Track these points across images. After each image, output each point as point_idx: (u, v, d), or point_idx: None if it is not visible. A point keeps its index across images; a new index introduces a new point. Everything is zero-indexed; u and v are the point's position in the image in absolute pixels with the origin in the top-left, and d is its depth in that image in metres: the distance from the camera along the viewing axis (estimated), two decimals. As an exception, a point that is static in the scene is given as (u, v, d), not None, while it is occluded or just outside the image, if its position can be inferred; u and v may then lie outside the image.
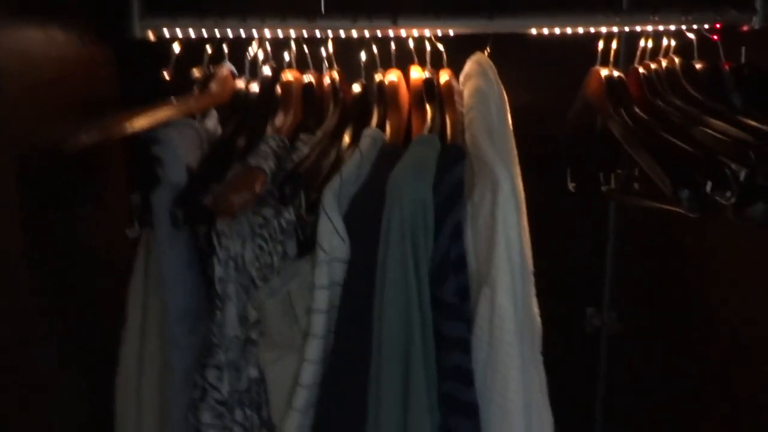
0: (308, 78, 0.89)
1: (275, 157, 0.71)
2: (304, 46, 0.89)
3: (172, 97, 0.78)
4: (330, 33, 0.87)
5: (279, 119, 0.81)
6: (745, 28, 0.86)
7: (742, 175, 0.67)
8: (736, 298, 0.95)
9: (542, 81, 1.10)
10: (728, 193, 0.68)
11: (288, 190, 0.66)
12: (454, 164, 0.72)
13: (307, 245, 0.69)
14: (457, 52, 0.89)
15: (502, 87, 0.86)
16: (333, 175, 0.71)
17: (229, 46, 0.88)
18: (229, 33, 0.86)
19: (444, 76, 0.88)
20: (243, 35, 0.86)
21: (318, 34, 0.87)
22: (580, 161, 1.02)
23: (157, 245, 0.68)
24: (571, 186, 1.03)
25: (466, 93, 0.85)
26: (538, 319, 0.79)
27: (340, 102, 0.85)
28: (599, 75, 0.87)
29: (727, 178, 0.67)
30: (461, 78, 0.88)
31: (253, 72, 0.89)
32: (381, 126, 0.82)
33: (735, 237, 0.92)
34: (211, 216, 0.66)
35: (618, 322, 1.23)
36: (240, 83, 0.87)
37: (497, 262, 0.66)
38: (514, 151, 0.83)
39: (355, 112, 0.85)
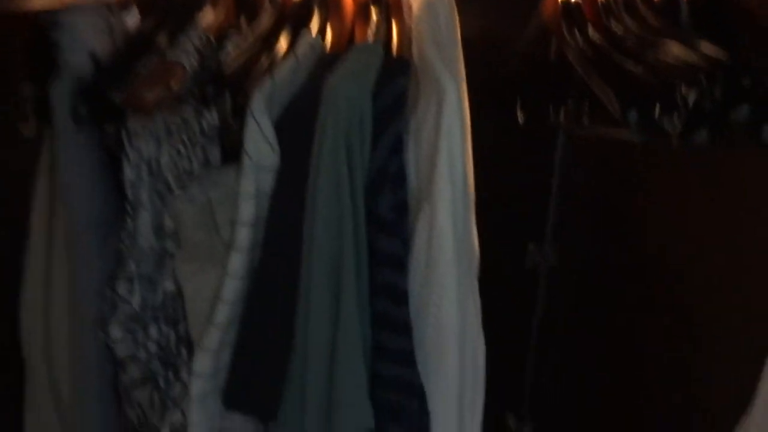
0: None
1: (198, 54, 0.64)
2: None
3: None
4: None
5: (207, 16, 0.73)
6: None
7: (691, 99, 0.65)
8: (677, 237, 0.96)
9: (495, 4, 1.05)
10: (675, 117, 0.66)
11: (211, 89, 0.60)
12: (398, 75, 0.67)
13: (233, 153, 0.63)
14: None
15: (452, 2, 0.80)
16: (265, 78, 0.64)
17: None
18: None
19: (392, -14, 0.82)
20: None
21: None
22: (531, 91, 0.99)
23: (58, 144, 0.60)
24: (520, 116, 1.00)
25: (414, 5, 0.79)
26: (477, 245, 0.77)
27: (278, 3, 0.77)
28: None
29: (676, 101, 0.66)
30: (411, -11, 0.82)
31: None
32: (321, 33, 0.75)
33: (678, 175, 0.92)
34: (120, 113, 0.59)
35: (558, 258, 1.24)
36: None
37: (438, 179, 0.62)
38: (462, 69, 0.78)
39: (294, 16, 0.77)
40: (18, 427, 0.76)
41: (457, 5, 0.82)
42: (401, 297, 0.62)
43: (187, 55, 0.61)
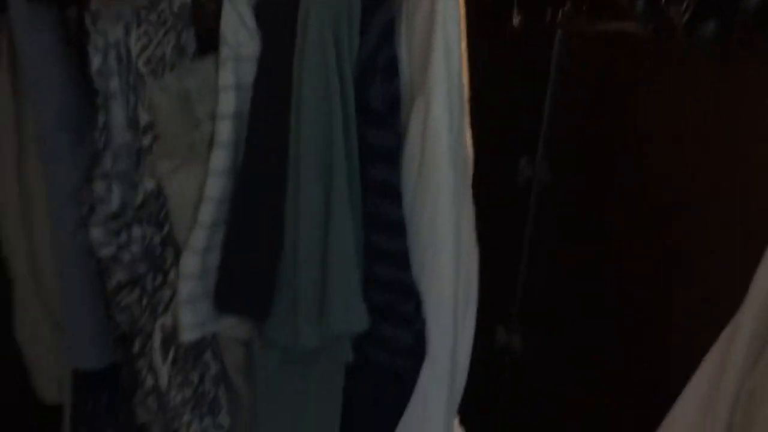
0: None
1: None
2: None
3: None
4: None
5: None
6: None
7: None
8: (676, 152, 0.93)
9: None
10: (683, 6, 0.62)
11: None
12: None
13: (209, 41, 0.58)
14: None
15: None
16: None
17: None
18: None
19: None
20: None
21: None
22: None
23: (16, 34, 0.54)
24: (516, 19, 0.94)
25: None
26: (470, 148, 0.73)
27: None
28: None
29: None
30: None
31: None
32: None
33: (679, 82, 0.88)
34: (81, -7, 0.53)
35: (550, 173, 1.21)
36: None
37: (434, 69, 0.58)
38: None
39: None
40: (10, 339, 0.75)
41: None
42: (394, 194, 0.59)
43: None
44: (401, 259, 0.61)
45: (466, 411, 0.76)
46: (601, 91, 1.10)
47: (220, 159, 0.56)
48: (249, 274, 0.58)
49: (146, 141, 0.57)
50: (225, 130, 0.56)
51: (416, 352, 0.62)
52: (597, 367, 1.11)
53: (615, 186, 1.10)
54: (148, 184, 0.57)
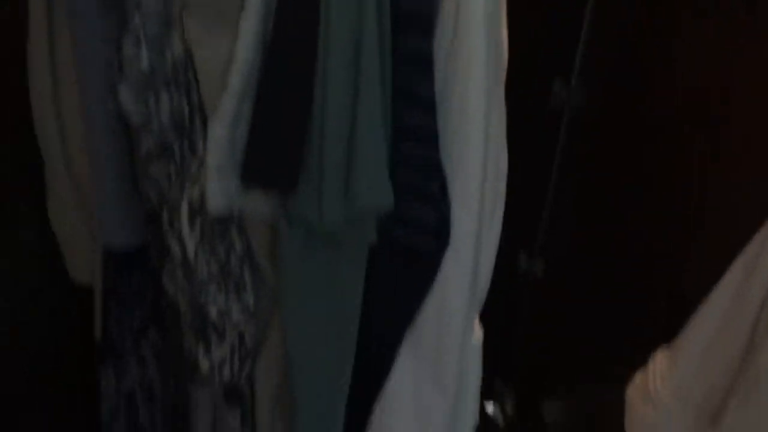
0: None
1: None
2: None
3: None
4: None
5: None
6: None
7: None
8: (696, 75, 0.89)
9: None
10: None
11: None
12: None
13: None
14: None
15: None
16: None
17: None
18: None
19: None
20: None
21: None
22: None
23: None
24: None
25: None
26: (506, 42, 0.71)
27: None
28: None
29: None
30: None
31: None
32: None
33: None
34: None
35: (584, 98, 1.18)
36: None
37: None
38: None
39: None
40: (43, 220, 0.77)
41: None
42: (426, 66, 0.58)
43: None
44: (430, 138, 0.60)
45: (487, 330, 0.77)
46: (636, 19, 1.06)
47: (251, 22, 0.55)
48: (277, 146, 0.58)
49: (176, 7, 0.56)
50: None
51: (441, 233, 0.62)
52: (616, 297, 1.10)
53: (650, 119, 1.07)
54: (177, 49, 0.57)
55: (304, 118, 0.57)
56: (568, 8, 1.10)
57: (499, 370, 1.26)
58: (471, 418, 0.76)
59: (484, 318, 0.75)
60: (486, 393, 1.03)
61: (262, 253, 0.68)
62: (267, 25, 0.57)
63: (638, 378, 0.73)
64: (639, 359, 0.76)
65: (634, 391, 0.73)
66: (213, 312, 0.64)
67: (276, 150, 0.58)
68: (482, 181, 0.65)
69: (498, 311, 0.79)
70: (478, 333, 0.73)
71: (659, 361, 0.71)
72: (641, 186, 1.07)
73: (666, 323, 0.76)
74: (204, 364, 0.66)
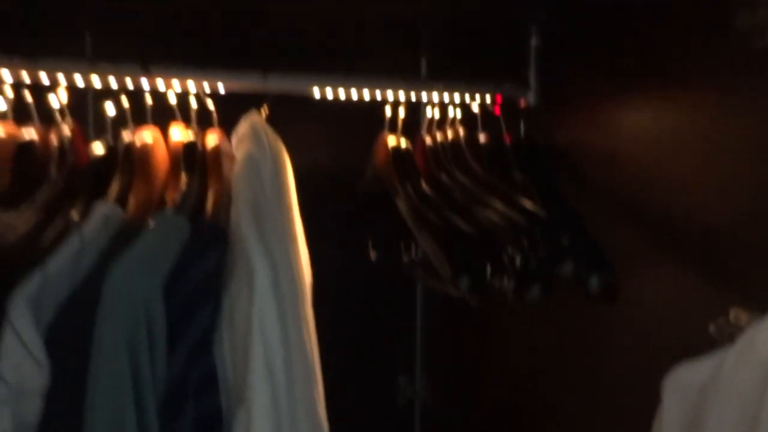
0: (29, 134, 0.69)
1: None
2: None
3: None
4: (62, 79, 0.69)
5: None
6: (522, 103, 0.87)
7: (518, 260, 0.64)
8: (529, 359, 0.94)
9: (334, 143, 1.03)
10: (506, 279, 0.65)
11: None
12: (206, 249, 0.58)
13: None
14: (234, 109, 0.77)
15: (281, 152, 0.75)
16: (32, 273, 0.52)
17: None
18: None
19: (212, 138, 0.75)
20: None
21: (44, 79, 0.69)
22: (379, 229, 0.96)
23: None
24: (372, 254, 0.95)
25: (237, 159, 0.72)
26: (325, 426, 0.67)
27: (67, 167, 0.67)
28: (386, 145, 0.82)
29: (505, 264, 0.64)
30: (233, 141, 0.76)
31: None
32: (122, 199, 0.65)
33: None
34: None
35: (430, 391, 1.18)
36: None
37: (253, 379, 0.53)
38: (294, 229, 0.72)
39: (89, 180, 0.67)
40: None
41: (305, 138, 0.78)
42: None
43: None
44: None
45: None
46: (461, 312, 1.13)
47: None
48: None
49: None
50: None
51: None
52: None
53: (491, 402, 1.07)
54: None
55: None
56: (402, 308, 1.15)
57: None
58: None
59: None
60: None
61: None
62: None
63: None
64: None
65: None
66: None
67: None
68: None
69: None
70: None
71: None
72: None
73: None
74: None
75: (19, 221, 0.59)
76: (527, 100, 0.87)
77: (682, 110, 0.68)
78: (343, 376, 0.91)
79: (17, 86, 0.69)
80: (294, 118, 0.80)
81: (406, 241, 0.92)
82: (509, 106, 0.87)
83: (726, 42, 0.61)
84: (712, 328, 0.61)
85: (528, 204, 0.68)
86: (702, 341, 0.58)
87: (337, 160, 1.02)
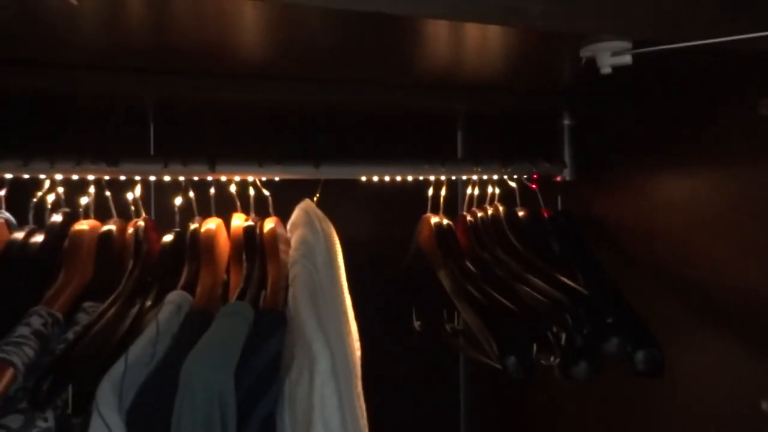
0: (108, 227, 0.77)
1: (38, 339, 0.57)
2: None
3: None
4: (138, 178, 0.78)
5: (60, 282, 0.67)
6: (559, 178, 0.91)
7: (563, 337, 0.66)
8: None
9: (380, 222, 1.09)
10: (552, 357, 0.67)
11: (46, 387, 0.53)
12: (268, 336, 0.63)
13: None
14: (289, 196, 0.84)
15: (332, 234, 0.80)
16: (117, 358, 0.58)
17: (8, 189, 0.75)
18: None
19: (269, 224, 0.82)
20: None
21: (123, 178, 0.77)
22: (423, 300, 0.99)
23: None
24: (416, 324, 0.98)
25: (292, 244, 0.78)
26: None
27: (142, 256, 0.74)
28: (430, 223, 0.87)
29: (550, 341, 0.66)
30: (288, 226, 0.82)
31: (40, 220, 0.75)
32: (191, 286, 0.71)
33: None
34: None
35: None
36: (18, 234, 0.73)
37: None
38: (345, 306, 0.76)
39: (162, 269, 0.74)
40: None
41: (345, 211, 0.83)
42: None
43: (19, 346, 0.54)
44: None
45: None
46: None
47: None
48: None
49: None
50: None
51: None
52: None
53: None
54: None
55: None
56: (444, 380, 1.16)
57: None
58: None
59: None
60: None
61: None
62: None
63: None
64: None
65: None
66: None
67: None
68: None
69: None
70: None
71: None
72: None
73: None
74: None
75: (101, 311, 0.65)
76: (563, 176, 0.91)
77: (718, 182, 0.70)
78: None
79: (97, 183, 0.78)
80: (342, 199, 0.86)
81: (449, 312, 0.95)
82: (546, 182, 0.91)
83: (755, 115, 0.64)
84: (765, 406, 0.61)
85: (569, 281, 0.71)
86: (751, 417, 0.58)
87: (382, 236, 1.07)
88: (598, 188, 0.88)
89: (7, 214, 0.74)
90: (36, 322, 0.59)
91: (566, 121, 0.92)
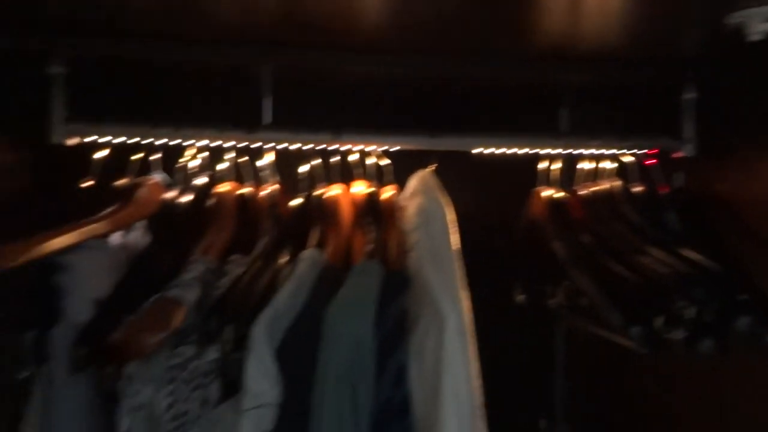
0: (244, 190, 0.84)
1: (200, 284, 0.64)
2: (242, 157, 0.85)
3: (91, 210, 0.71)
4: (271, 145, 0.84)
5: (209, 237, 0.75)
6: (679, 154, 0.89)
7: (692, 311, 0.66)
8: (684, 407, 0.92)
9: (489, 196, 1.10)
10: (680, 331, 0.67)
11: (213, 324, 0.60)
12: (397, 294, 0.67)
13: (231, 386, 0.62)
14: (404, 166, 0.87)
15: (447, 205, 0.83)
16: (265, 305, 0.64)
17: (164, 153, 0.83)
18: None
19: (388, 192, 0.86)
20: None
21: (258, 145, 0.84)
22: (528, 274, 1.00)
23: (55, 388, 0.58)
24: (519, 298, 1.00)
25: (410, 211, 0.82)
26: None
27: (276, 218, 0.80)
28: (544, 197, 0.87)
29: (679, 315, 0.66)
30: (405, 194, 0.86)
31: (187, 182, 0.84)
32: (320, 245, 0.77)
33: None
34: (119, 356, 0.57)
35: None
36: (171, 194, 0.81)
37: (444, 408, 0.60)
38: (459, 272, 0.80)
39: (293, 229, 0.80)
40: None
41: (456, 183, 0.86)
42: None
43: (186, 289, 0.61)
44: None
45: None
46: (607, 358, 1.12)
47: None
48: None
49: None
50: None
51: None
52: None
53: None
54: None
55: None
56: (542, 358, 1.17)
57: None
58: None
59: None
60: None
61: None
62: None
63: None
64: None
65: None
66: None
67: None
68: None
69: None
70: None
71: None
72: None
73: None
74: None
75: (244, 264, 0.72)
76: (684, 151, 0.89)
77: None
78: (487, 415, 0.96)
79: (236, 150, 0.85)
80: (452, 172, 0.88)
81: (553, 287, 0.95)
82: (664, 158, 0.89)
83: None
84: None
85: (695, 255, 0.70)
86: None
87: (490, 209, 1.09)
88: (723, 165, 0.85)
89: (165, 174, 0.83)
90: (197, 269, 0.66)
91: (689, 94, 0.89)
